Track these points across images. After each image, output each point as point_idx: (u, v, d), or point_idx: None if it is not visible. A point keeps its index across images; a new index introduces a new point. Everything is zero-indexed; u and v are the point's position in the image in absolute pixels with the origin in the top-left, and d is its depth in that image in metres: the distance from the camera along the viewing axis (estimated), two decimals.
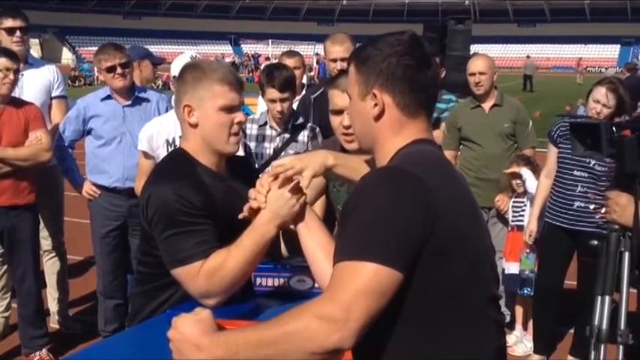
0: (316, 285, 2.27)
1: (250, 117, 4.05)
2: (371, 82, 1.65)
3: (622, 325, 2.53)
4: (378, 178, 1.54)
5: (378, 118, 1.65)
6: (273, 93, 3.71)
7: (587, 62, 59.75)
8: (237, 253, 1.98)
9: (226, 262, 1.98)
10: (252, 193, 1.96)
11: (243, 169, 2.35)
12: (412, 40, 1.66)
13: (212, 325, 1.57)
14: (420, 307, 1.50)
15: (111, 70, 4.06)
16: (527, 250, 4.36)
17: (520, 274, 4.39)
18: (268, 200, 1.92)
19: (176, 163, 2.18)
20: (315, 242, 1.89)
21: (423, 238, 1.46)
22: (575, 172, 4.00)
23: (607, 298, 2.56)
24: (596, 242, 2.65)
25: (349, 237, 1.48)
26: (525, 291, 4.39)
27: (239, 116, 2.17)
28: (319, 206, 2.99)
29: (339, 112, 2.65)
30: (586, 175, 3.97)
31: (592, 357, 2.60)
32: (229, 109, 2.15)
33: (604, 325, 2.55)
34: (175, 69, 3.52)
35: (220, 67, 2.20)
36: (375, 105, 1.64)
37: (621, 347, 2.52)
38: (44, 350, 4.12)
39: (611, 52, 66.40)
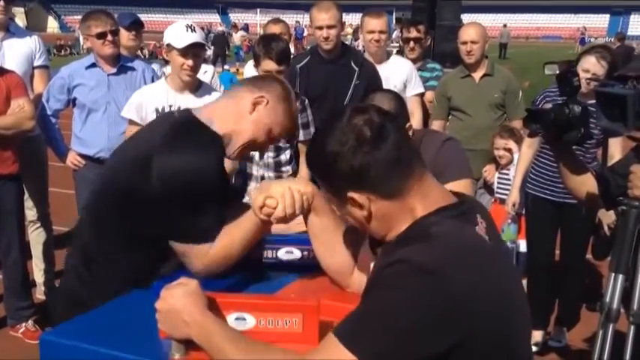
0: (305, 254, 2.25)
1: None
2: (341, 191, 1.47)
3: (635, 306, 2.47)
4: (403, 273, 1.32)
5: (369, 218, 1.48)
6: (269, 64, 3.60)
7: (577, 32, 59.55)
8: (241, 238, 1.98)
9: (233, 247, 1.98)
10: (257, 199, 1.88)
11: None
12: (354, 122, 1.44)
13: (202, 297, 1.55)
14: None
15: (101, 36, 3.99)
16: (509, 221, 4.36)
17: None
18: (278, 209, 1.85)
19: (205, 140, 2.04)
20: (322, 224, 1.88)
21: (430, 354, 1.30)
22: None
23: (620, 277, 2.48)
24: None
25: (353, 315, 1.36)
26: None
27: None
28: None
29: None
30: (573, 147, 3.94)
31: (599, 336, 2.55)
32: (272, 139, 2.17)
33: (614, 305, 2.47)
34: (168, 37, 3.45)
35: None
36: (361, 207, 1.46)
37: (632, 327, 2.47)
38: (30, 321, 4.11)
39: (600, 21, 66.27)
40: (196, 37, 3.40)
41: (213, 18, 62.52)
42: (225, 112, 2.11)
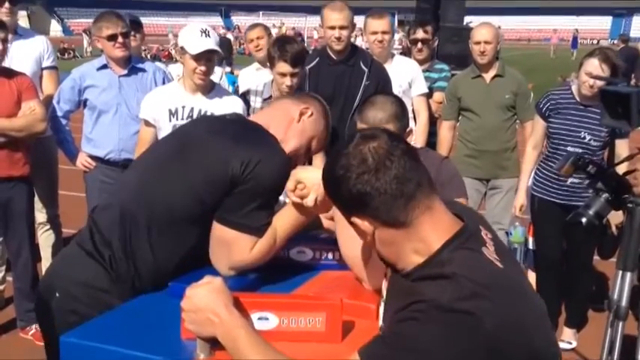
0: (317, 255, 2.25)
1: (254, 89, 3.98)
2: (346, 213, 1.50)
3: None
4: (429, 312, 1.31)
5: (373, 243, 1.49)
6: (284, 67, 3.62)
7: (580, 34, 59.58)
8: (281, 239, 2.06)
9: (275, 246, 2.04)
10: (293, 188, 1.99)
11: None
12: (360, 148, 1.43)
13: (228, 294, 1.55)
14: None
15: (112, 38, 3.99)
16: (516, 223, 4.36)
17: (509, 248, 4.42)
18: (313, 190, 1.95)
19: (277, 142, 2.12)
20: None
21: None
22: (568, 148, 3.94)
23: (628, 275, 2.49)
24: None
25: (386, 348, 1.34)
26: None
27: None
28: None
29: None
30: (580, 150, 3.90)
31: (608, 334, 2.55)
32: (309, 150, 2.27)
33: (623, 302, 2.48)
34: (183, 41, 3.46)
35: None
36: (364, 232, 1.47)
37: None
38: None
39: (602, 23, 66.20)
40: (211, 43, 3.40)
41: (215, 21, 62.57)
42: (277, 120, 2.20)
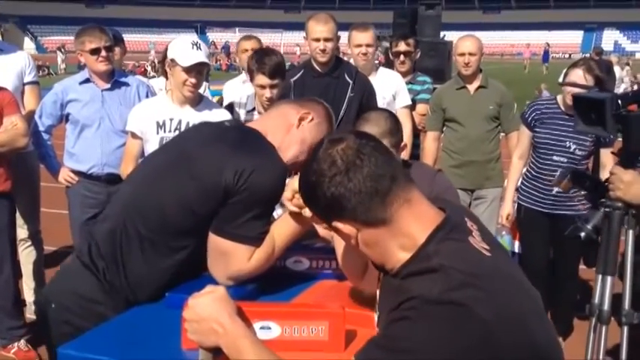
0: (314, 264, 2.25)
1: (237, 102, 3.98)
2: (326, 219, 1.48)
3: (626, 305, 2.49)
4: (419, 308, 1.29)
5: (358, 245, 1.46)
6: (262, 79, 3.62)
7: (552, 48, 60.53)
8: (279, 248, 2.05)
9: (273, 255, 2.03)
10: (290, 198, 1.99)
11: None
12: (329, 152, 1.42)
13: (231, 303, 1.53)
14: None
15: (95, 52, 3.97)
16: (503, 232, 4.37)
17: None
18: None
19: (274, 149, 2.10)
20: None
21: None
22: (554, 158, 3.98)
23: (608, 279, 2.50)
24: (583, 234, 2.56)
25: (380, 349, 1.32)
26: None
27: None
28: None
29: None
30: (565, 160, 3.95)
31: (591, 339, 2.56)
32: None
33: (605, 307, 2.49)
34: (173, 53, 3.44)
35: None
36: (348, 236, 1.45)
37: (626, 328, 2.48)
38: (22, 341, 4.02)
39: (574, 38, 67.26)
40: (201, 55, 3.40)
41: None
42: (275, 126, 2.16)
